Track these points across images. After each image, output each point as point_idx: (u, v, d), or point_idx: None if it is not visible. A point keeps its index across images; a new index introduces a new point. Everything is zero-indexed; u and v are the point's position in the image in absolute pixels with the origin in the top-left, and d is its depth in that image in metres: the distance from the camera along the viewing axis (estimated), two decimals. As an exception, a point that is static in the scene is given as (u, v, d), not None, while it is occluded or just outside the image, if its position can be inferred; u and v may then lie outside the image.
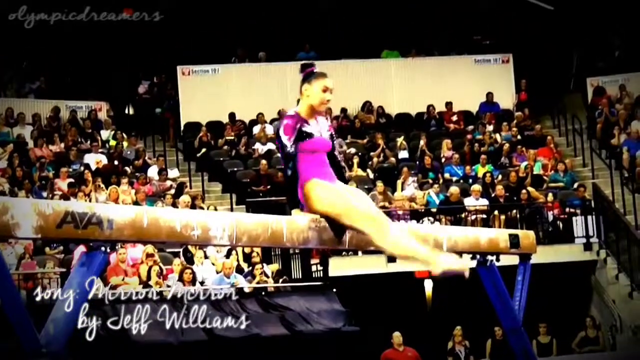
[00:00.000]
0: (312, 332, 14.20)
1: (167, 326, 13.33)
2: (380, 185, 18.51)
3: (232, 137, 21.21)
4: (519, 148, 21.08)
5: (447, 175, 20.24)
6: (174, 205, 16.70)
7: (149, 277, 14.19)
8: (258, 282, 14.90)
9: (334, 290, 15.21)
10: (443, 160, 20.93)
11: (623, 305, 17.69)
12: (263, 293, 14.78)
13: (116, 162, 19.44)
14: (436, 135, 22.13)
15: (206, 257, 15.35)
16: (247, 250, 15.39)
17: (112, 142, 20.58)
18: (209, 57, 22.99)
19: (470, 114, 23.38)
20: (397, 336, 16.74)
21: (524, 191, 18.82)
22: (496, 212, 18.36)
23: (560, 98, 23.71)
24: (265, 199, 18.04)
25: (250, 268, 15.22)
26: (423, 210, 18.30)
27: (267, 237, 5.21)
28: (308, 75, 5.72)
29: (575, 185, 19.55)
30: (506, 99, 23.62)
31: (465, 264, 5.32)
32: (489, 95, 23.25)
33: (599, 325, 18.02)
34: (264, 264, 15.33)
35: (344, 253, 17.08)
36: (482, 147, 21.11)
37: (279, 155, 20.72)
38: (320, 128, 5.74)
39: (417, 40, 24.47)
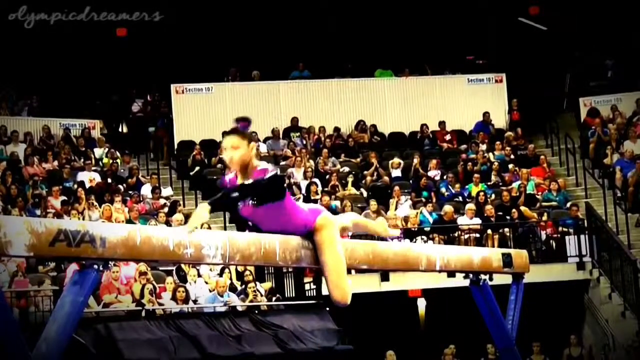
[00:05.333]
0: (305, 350, 14.19)
1: (160, 344, 13.34)
2: (373, 204, 18.52)
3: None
4: (512, 167, 21.11)
5: (443, 189, 20.26)
6: (167, 223, 16.70)
7: (142, 295, 14.17)
8: (251, 301, 14.89)
9: (327, 309, 15.20)
10: (436, 178, 20.97)
11: (616, 325, 17.70)
12: (256, 311, 14.77)
13: (109, 180, 19.43)
14: (430, 154, 22.16)
15: (199, 275, 15.33)
16: (240, 268, 15.38)
17: (106, 160, 20.56)
18: (203, 75, 23.02)
19: (463, 133, 23.43)
20: (390, 355, 16.74)
21: (514, 210, 18.86)
22: (489, 231, 18.37)
23: (553, 118, 23.77)
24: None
25: (244, 286, 15.21)
26: (416, 229, 18.30)
27: (260, 256, 5.21)
28: None
29: (568, 205, 19.59)
30: (499, 118, 23.68)
31: None
32: (486, 115, 23.29)
33: (584, 342, 18.07)
34: (257, 283, 15.33)
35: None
36: (475, 166, 21.14)
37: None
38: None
39: (410, 59, 24.54)
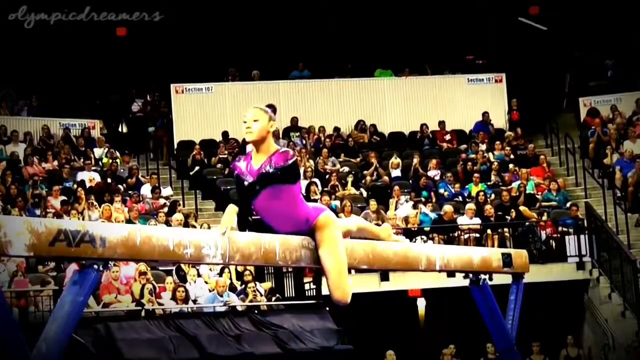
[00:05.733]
0: (305, 350, 14.18)
1: (160, 344, 13.34)
2: (373, 203, 18.52)
3: (226, 156, 21.22)
4: (511, 167, 21.12)
5: (441, 190, 20.26)
6: (167, 223, 16.69)
7: (142, 295, 14.16)
8: (251, 301, 14.89)
9: (327, 308, 15.20)
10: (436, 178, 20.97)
11: (615, 325, 17.69)
12: (256, 311, 14.76)
13: (109, 180, 19.43)
14: (429, 154, 22.16)
15: (199, 275, 15.33)
16: (240, 268, 15.38)
17: (106, 160, 20.56)
18: (203, 75, 23.03)
19: (463, 133, 23.43)
20: (390, 355, 16.74)
21: (513, 210, 18.85)
22: (489, 231, 18.38)
23: (553, 117, 23.77)
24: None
25: (243, 286, 15.20)
26: (416, 229, 18.30)
27: (260, 255, 5.21)
28: None
29: (568, 205, 19.58)
30: (499, 118, 23.68)
31: None
32: (485, 114, 23.29)
33: (584, 342, 18.06)
34: (257, 282, 15.32)
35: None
36: (474, 166, 21.14)
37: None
38: (257, 167, 5.34)
39: (410, 59, 24.54)
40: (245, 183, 5.35)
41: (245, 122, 5.38)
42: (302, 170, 20.38)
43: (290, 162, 5.27)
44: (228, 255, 5.02)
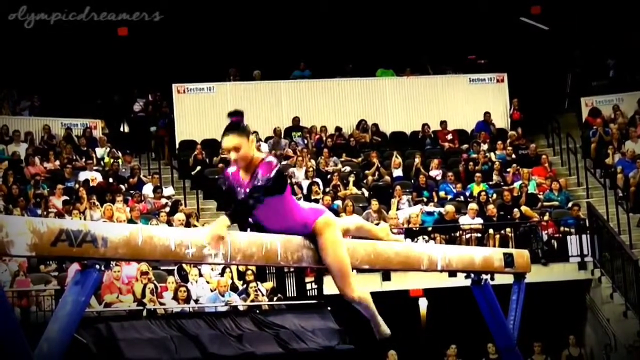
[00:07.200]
0: (307, 350, 14.18)
1: (161, 344, 13.34)
2: (375, 203, 18.51)
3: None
4: (513, 167, 21.11)
5: (442, 193, 20.25)
6: (169, 223, 16.68)
7: (143, 294, 14.16)
8: (252, 301, 14.89)
9: (329, 308, 15.20)
10: (438, 178, 20.96)
11: (617, 324, 17.69)
12: (257, 311, 14.76)
13: (111, 180, 19.43)
14: (431, 153, 22.16)
15: (201, 275, 15.33)
16: (241, 268, 15.38)
17: (107, 160, 20.57)
18: (204, 75, 23.03)
19: (464, 132, 23.43)
20: (392, 355, 16.75)
21: (515, 210, 18.85)
22: (491, 231, 18.37)
23: (555, 117, 23.77)
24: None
25: (245, 286, 15.20)
26: (418, 228, 18.29)
27: (262, 255, 5.20)
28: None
29: (570, 205, 19.58)
30: (501, 118, 23.68)
31: None
32: (487, 114, 23.28)
33: (586, 342, 18.05)
34: (259, 282, 15.32)
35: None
36: (476, 166, 21.14)
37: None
38: (245, 180, 5.25)
39: (411, 59, 24.53)
40: (239, 197, 5.19)
41: (227, 151, 5.20)
42: (303, 170, 20.38)
43: (274, 171, 5.13)
44: (230, 255, 5.01)
